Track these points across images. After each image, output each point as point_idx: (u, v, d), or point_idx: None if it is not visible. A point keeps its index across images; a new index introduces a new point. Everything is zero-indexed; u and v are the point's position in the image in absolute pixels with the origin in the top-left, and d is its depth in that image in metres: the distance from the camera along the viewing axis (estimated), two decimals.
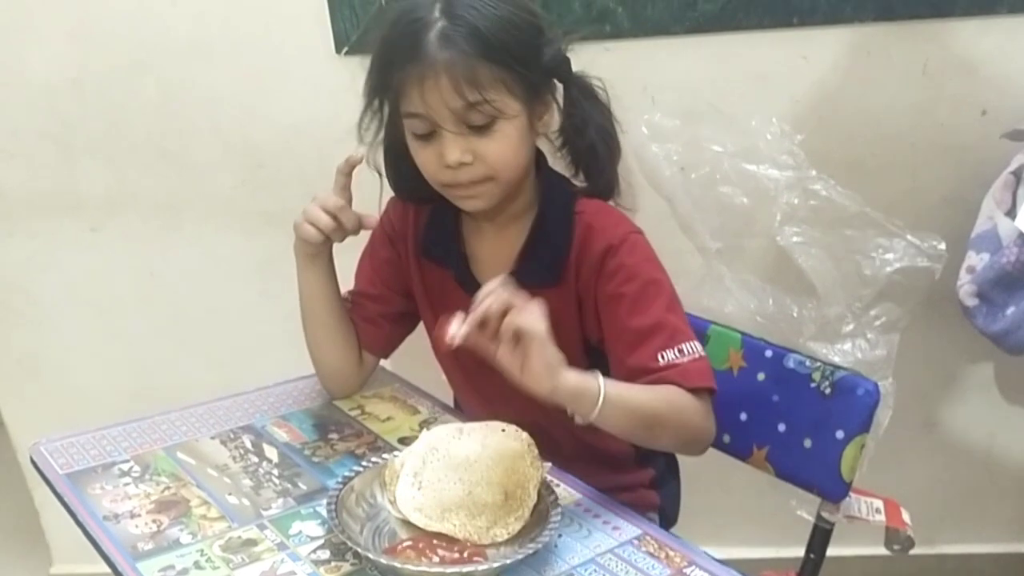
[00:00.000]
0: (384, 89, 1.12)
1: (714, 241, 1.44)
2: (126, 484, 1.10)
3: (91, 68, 1.67)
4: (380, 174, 1.25)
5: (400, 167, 1.22)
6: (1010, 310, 1.41)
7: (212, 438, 1.22)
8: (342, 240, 1.23)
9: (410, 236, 1.29)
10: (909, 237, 1.31)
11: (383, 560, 0.91)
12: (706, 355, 1.14)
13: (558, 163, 1.23)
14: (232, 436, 1.23)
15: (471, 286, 1.16)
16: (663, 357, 1.10)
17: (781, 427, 1.31)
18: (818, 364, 1.29)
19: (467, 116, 1.07)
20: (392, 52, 1.08)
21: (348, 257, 1.32)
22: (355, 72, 1.60)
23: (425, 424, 1.26)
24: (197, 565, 0.94)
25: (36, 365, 1.93)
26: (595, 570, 0.95)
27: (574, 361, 1.09)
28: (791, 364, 1.31)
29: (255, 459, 1.17)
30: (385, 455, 1.09)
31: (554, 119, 1.17)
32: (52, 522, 2.05)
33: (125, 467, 1.14)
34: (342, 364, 1.31)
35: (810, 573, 1.33)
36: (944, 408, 1.79)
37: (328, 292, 1.27)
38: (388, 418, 1.28)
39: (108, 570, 0.96)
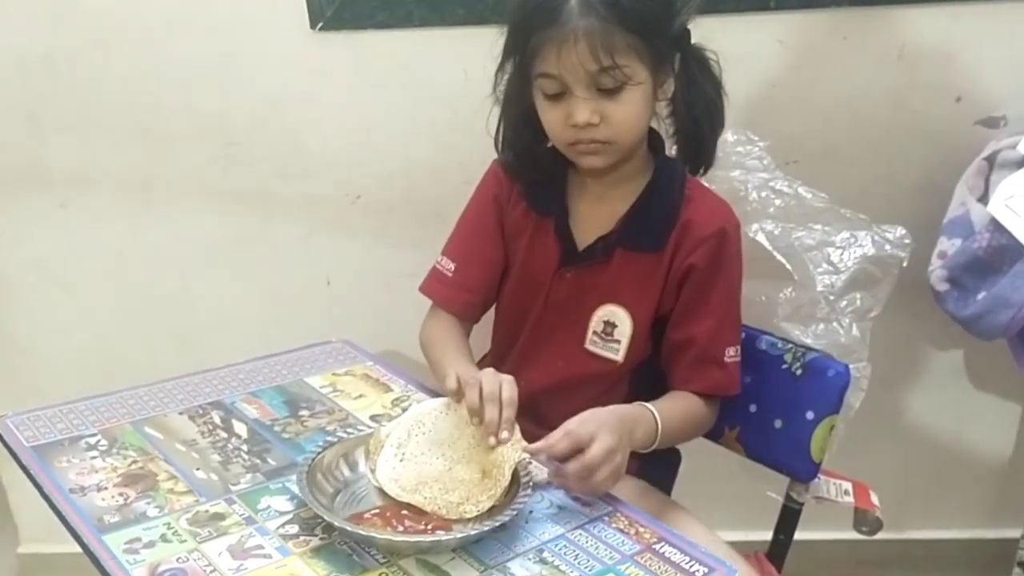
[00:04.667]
0: (519, 51, 1.16)
1: None
2: (93, 457, 1.09)
3: (62, 43, 1.64)
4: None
5: (518, 130, 1.26)
6: (981, 295, 1.41)
7: (180, 413, 1.21)
8: None
9: (515, 190, 1.31)
10: (875, 228, 1.33)
11: (348, 526, 0.91)
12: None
13: (660, 129, 1.27)
14: (201, 412, 1.22)
15: (567, 239, 1.27)
16: (727, 354, 1.24)
17: (752, 408, 1.32)
18: (790, 346, 1.30)
19: (599, 80, 1.11)
20: (531, 16, 1.12)
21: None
22: (330, 48, 1.61)
23: (397, 402, 1.26)
24: (164, 538, 0.93)
25: (3, 343, 1.90)
26: (565, 546, 0.95)
27: (641, 334, 1.26)
28: (763, 346, 1.33)
29: (224, 435, 1.16)
30: (351, 430, 1.09)
31: (671, 87, 1.20)
32: (20, 501, 2.03)
33: (92, 440, 1.13)
34: None
35: (779, 554, 1.35)
36: (913, 394, 1.80)
37: None
38: (360, 395, 1.28)
39: (76, 549, 0.94)
